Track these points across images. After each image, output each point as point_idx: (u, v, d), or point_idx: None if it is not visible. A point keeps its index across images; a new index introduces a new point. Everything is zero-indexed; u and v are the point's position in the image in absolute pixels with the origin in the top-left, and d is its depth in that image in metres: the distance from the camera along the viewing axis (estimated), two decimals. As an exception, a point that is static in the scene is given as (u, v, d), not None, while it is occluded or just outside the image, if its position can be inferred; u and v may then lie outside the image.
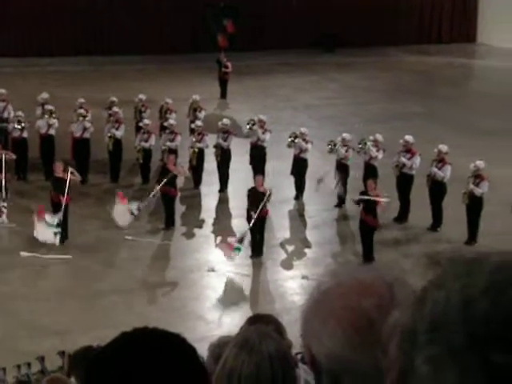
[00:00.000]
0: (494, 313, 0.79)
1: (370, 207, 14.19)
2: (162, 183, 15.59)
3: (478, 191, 14.96)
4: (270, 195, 14.43)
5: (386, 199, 14.32)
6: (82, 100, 19.32)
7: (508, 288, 0.80)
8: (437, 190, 15.72)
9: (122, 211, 15.30)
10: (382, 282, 1.37)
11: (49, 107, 18.68)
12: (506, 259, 0.86)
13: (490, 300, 0.80)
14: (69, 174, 15.14)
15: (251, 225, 14.29)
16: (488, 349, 0.77)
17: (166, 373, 1.35)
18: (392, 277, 1.38)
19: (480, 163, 15.22)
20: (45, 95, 19.85)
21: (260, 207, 14.22)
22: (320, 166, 17.87)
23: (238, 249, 14.01)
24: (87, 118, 18.49)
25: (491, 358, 0.77)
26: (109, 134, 18.26)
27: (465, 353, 0.79)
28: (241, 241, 14.09)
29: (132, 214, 15.35)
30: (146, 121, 18.54)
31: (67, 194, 15.01)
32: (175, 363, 1.37)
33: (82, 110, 18.68)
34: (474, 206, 14.98)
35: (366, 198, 14.10)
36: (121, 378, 1.34)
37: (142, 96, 20.64)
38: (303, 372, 2.66)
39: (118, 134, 18.29)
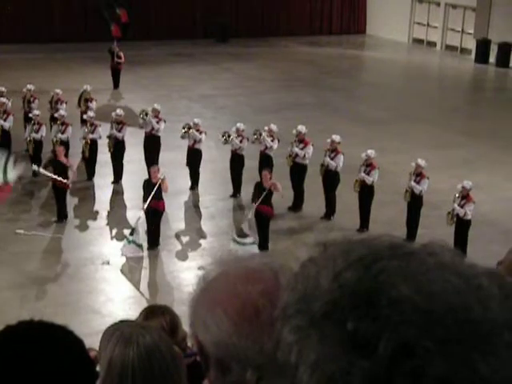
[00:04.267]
0: (355, 284, 0.84)
1: (266, 197, 14.33)
2: (49, 176, 15.25)
3: (369, 179, 15.34)
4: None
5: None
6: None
7: (373, 263, 0.85)
8: (330, 179, 16.01)
9: None
10: (268, 268, 1.39)
11: None
12: (381, 240, 0.91)
13: (355, 273, 0.85)
14: None
15: (140, 215, 14.18)
16: (344, 317, 0.82)
17: (51, 364, 1.33)
18: (278, 264, 1.40)
19: (371, 152, 15.60)
20: None
21: (151, 196, 14.12)
22: (215, 155, 17.91)
23: (129, 241, 13.90)
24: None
25: (346, 326, 0.81)
26: (-4, 125, 17.74)
27: (323, 321, 0.83)
28: (132, 233, 13.95)
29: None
30: (36, 111, 18.07)
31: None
32: (60, 355, 1.35)
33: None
34: (366, 194, 15.34)
35: (262, 196, 14.20)
36: (2, 371, 1.32)
37: (30, 86, 20.08)
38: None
39: (6, 124, 17.80)
